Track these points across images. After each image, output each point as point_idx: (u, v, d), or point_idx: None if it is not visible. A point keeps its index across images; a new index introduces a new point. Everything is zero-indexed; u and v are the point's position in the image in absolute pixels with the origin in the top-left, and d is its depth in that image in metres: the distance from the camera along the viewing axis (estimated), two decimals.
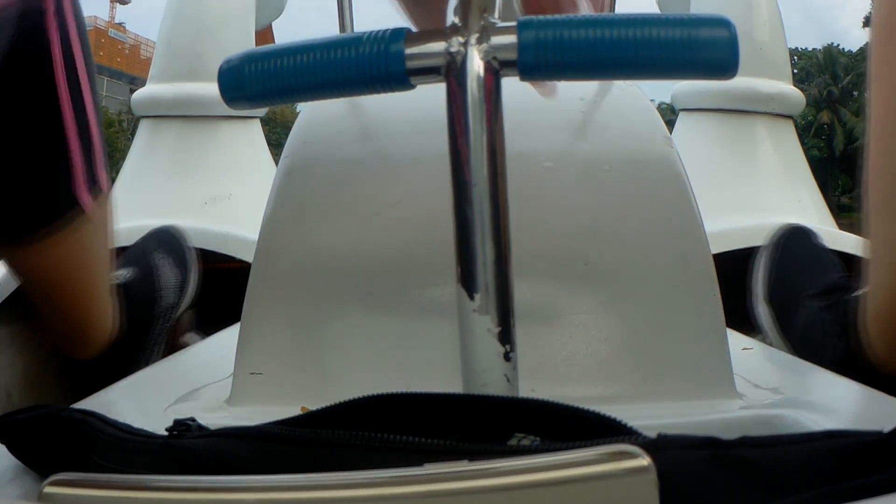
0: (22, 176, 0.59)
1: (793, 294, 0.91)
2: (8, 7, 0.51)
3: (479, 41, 0.36)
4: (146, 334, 0.86)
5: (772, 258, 1.03)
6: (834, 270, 0.93)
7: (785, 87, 1.49)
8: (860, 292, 0.70)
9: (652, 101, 0.67)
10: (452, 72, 0.36)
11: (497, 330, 0.36)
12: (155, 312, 0.90)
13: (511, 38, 0.36)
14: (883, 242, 0.64)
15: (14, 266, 0.66)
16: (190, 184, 1.41)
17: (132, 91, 1.66)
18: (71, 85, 0.60)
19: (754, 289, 1.04)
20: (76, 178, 0.61)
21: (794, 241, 1.05)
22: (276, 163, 0.75)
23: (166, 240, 1.07)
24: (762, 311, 1.00)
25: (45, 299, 0.71)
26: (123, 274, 0.87)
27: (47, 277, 0.66)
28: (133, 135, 1.52)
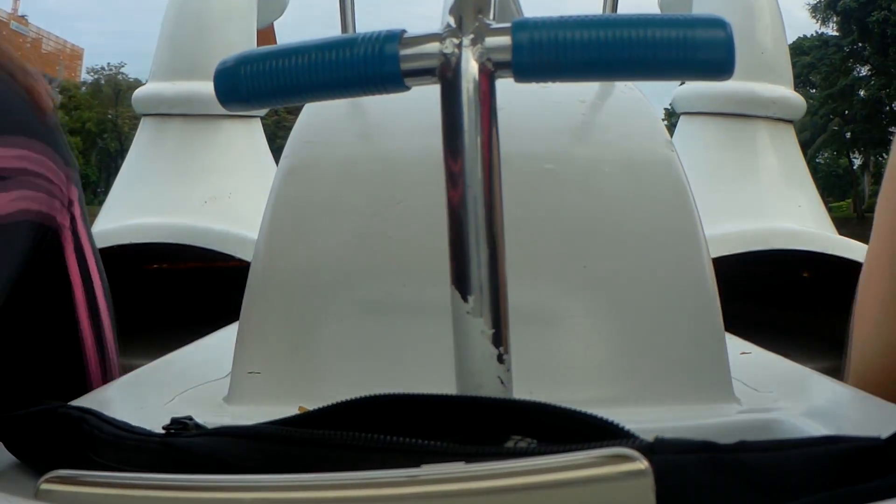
0: (39, 390, 0.61)
1: None
2: (24, 222, 0.54)
3: (474, 43, 0.36)
4: None
5: None
6: None
7: (786, 92, 1.49)
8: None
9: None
10: (446, 73, 0.36)
11: (491, 332, 0.36)
12: None
13: (505, 40, 0.36)
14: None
15: None
16: (190, 182, 1.41)
17: None
18: (88, 298, 0.62)
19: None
20: (93, 386, 0.63)
21: None
22: (277, 162, 0.75)
23: None
24: None
25: None
26: None
27: None
28: None
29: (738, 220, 1.33)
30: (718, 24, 0.36)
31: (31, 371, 0.61)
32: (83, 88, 34.08)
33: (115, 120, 31.56)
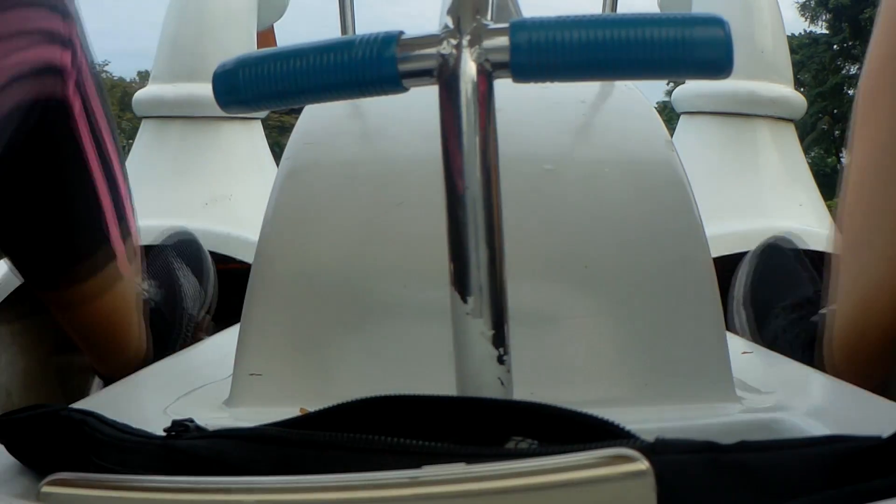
0: (61, 232, 0.65)
1: (767, 304, 0.93)
2: (26, 83, 0.53)
3: (472, 43, 0.36)
4: (171, 347, 0.90)
5: (753, 266, 1.05)
6: (808, 285, 0.93)
7: (786, 91, 1.49)
8: (825, 310, 0.71)
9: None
10: (445, 74, 0.36)
11: (490, 333, 0.36)
12: (180, 328, 0.94)
13: (503, 40, 0.36)
14: (850, 272, 0.66)
15: (56, 309, 0.73)
16: (191, 184, 1.41)
17: None
18: (97, 145, 0.65)
19: (735, 293, 1.06)
20: (109, 228, 0.67)
21: (776, 252, 1.07)
22: (277, 164, 0.75)
23: (185, 249, 1.09)
24: (739, 316, 1.01)
25: (83, 335, 0.76)
26: (149, 292, 0.91)
27: (86, 317, 0.73)
28: None
29: (739, 219, 1.33)
30: (717, 22, 0.36)
31: (52, 223, 0.64)
32: None
33: None
